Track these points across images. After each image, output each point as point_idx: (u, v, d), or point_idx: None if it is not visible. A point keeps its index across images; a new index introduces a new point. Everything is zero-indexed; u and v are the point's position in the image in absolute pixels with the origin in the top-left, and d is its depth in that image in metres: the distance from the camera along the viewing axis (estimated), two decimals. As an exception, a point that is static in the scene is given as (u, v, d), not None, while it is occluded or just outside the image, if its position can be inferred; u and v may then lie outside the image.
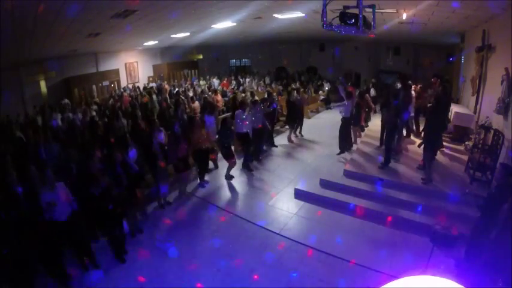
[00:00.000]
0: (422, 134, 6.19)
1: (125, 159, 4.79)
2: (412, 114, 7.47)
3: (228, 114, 9.13)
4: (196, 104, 9.54)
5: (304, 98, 9.92)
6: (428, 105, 6.30)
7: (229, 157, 6.45)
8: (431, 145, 5.44)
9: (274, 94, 10.87)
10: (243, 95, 10.98)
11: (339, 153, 7.20)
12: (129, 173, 4.66)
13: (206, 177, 6.64)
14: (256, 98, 8.83)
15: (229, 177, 6.61)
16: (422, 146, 5.76)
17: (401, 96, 6.56)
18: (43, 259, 3.69)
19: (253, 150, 7.29)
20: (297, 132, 9.24)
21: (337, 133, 7.24)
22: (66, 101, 10.97)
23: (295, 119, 8.84)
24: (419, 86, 8.97)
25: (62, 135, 7.07)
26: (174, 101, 9.49)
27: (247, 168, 7.02)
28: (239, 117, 6.75)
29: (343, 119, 7.10)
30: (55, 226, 3.79)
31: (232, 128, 6.93)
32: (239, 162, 7.08)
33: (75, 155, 5.33)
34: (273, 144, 8.46)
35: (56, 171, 4.62)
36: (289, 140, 8.80)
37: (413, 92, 7.44)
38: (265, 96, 9.23)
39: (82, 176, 4.42)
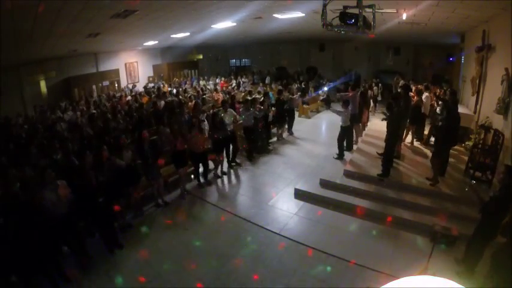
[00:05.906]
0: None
1: (112, 161, 4.85)
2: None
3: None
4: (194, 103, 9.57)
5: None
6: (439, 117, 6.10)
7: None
8: (439, 156, 5.35)
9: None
10: (243, 94, 11.09)
11: (337, 158, 7.12)
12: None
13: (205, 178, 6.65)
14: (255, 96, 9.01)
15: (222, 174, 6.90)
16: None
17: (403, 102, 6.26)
18: (41, 258, 3.69)
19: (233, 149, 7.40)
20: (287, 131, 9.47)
21: (337, 133, 7.22)
22: (65, 102, 10.95)
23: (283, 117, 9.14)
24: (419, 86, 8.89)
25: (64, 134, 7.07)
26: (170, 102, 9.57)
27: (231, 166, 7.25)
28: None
29: (342, 127, 7.01)
30: (53, 222, 3.83)
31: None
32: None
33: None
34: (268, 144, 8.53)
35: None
36: (279, 137, 9.08)
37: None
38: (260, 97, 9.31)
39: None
